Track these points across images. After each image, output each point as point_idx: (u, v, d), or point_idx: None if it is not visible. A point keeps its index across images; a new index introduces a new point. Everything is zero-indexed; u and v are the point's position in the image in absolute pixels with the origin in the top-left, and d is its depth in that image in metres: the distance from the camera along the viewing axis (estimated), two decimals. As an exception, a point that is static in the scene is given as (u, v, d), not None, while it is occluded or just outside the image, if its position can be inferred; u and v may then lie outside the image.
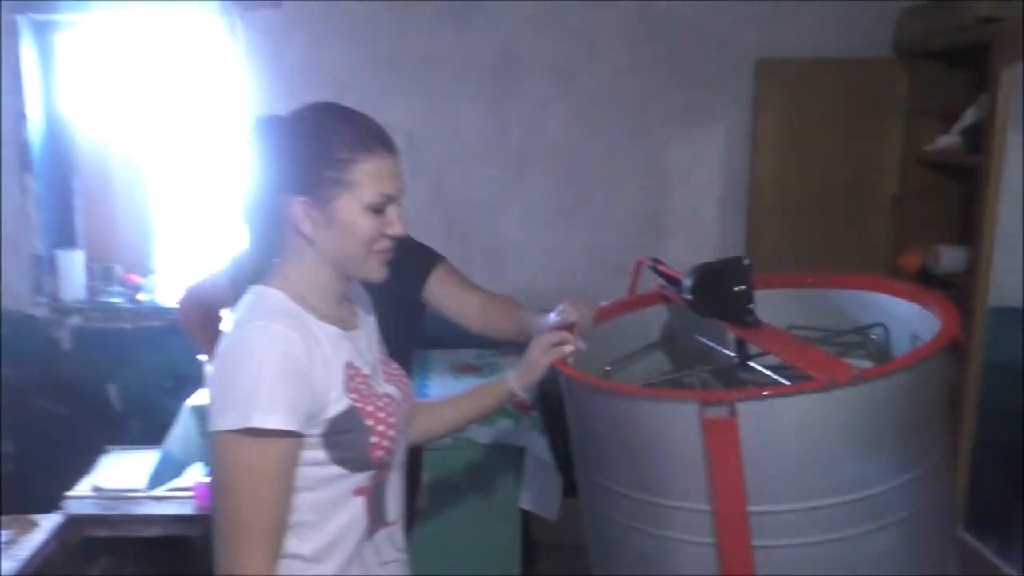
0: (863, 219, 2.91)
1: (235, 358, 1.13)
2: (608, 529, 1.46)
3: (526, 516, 2.46)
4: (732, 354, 1.59)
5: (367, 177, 1.18)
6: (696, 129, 2.99)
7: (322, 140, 1.18)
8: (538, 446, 2.31)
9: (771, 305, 1.73)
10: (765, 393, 1.25)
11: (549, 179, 3.02)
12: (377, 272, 1.24)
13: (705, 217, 3.01)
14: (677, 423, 1.27)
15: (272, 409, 1.09)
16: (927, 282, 2.50)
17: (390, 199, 1.21)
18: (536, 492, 2.33)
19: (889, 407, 1.26)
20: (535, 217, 3.03)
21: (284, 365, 1.12)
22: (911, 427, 1.30)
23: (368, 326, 1.37)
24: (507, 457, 2.36)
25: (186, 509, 2.50)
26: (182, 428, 2.34)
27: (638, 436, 1.34)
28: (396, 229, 1.22)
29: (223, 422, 1.11)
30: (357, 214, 1.19)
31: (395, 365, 1.39)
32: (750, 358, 1.53)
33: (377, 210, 1.20)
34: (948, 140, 2.60)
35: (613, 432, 1.40)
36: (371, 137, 1.20)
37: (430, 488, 2.32)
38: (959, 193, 2.73)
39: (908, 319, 1.57)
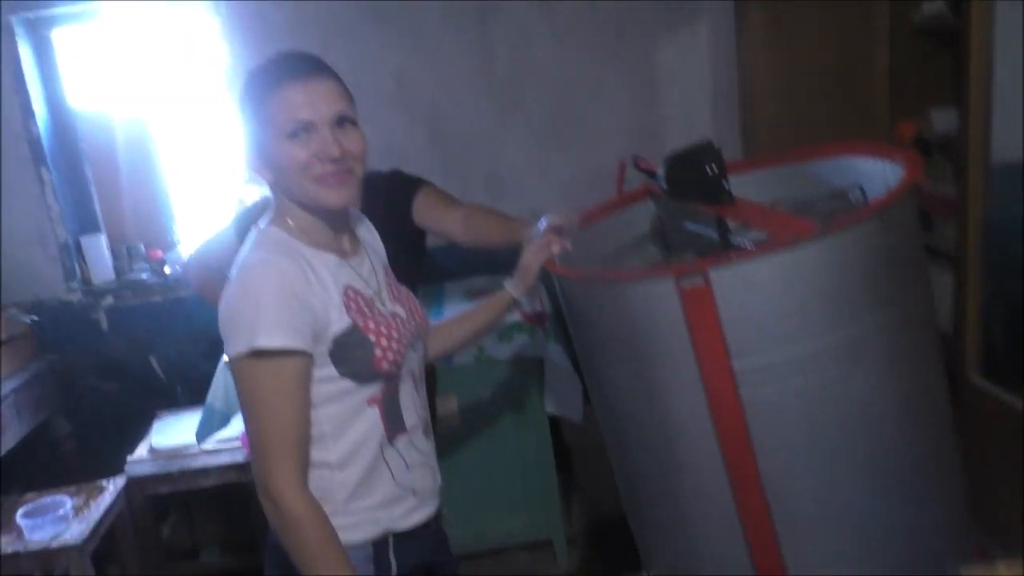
0: (860, 98, 2.92)
1: (237, 291, 1.27)
2: (612, 408, 1.59)
3: (557, 423, 2.60)
4: (714, 234, 1.68)
5: (278, 108, 1.26)
6: (680, 34, 3.02)
7: (246, 93, 1.31)
8: (555, 354, 2.44)
9: (760, 185, 1.82)
10: (735, 259, 1.35)
11: (541, 103, 3.09)
12: (329, 197, 1.29)
13: (699, 120, 3.06)
14: (658, 299, 1.38)
15: (274, 330, 1.22)
16: (924, 148, 2.53)
17: (308, 124, 1.26)
18: (559, 397, 2.47)
19: (856, 256, 1.35)
20: (531, 142, 3.10)
21: (280, 290, 1.24)
22: (881, 273, 1.39)
23: (374, 254, 1.48)
24: (528, 369, 2.50)
25: (236, 458, 2.68)
26: (221, 382, 2.50)
27: (626, 317, 1.45)
28: (330, 150, 1.26)
29: (234, 349, 1.25)
30: (280, 146, 1.27)
31: (405, 289, 1.51)
32: (729, 233, 1.62)
33: (296, 136, 1.26)
34: (932, 5, 2.60)
35: (603, 318, 1.51)
36: (279, 72, 1.28)
37: (461, 407, 2.48)
38: (951, 58, 2.73)
39: (883, 177, 1.64)
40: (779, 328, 1.35)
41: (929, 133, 2.52)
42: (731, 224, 1.67)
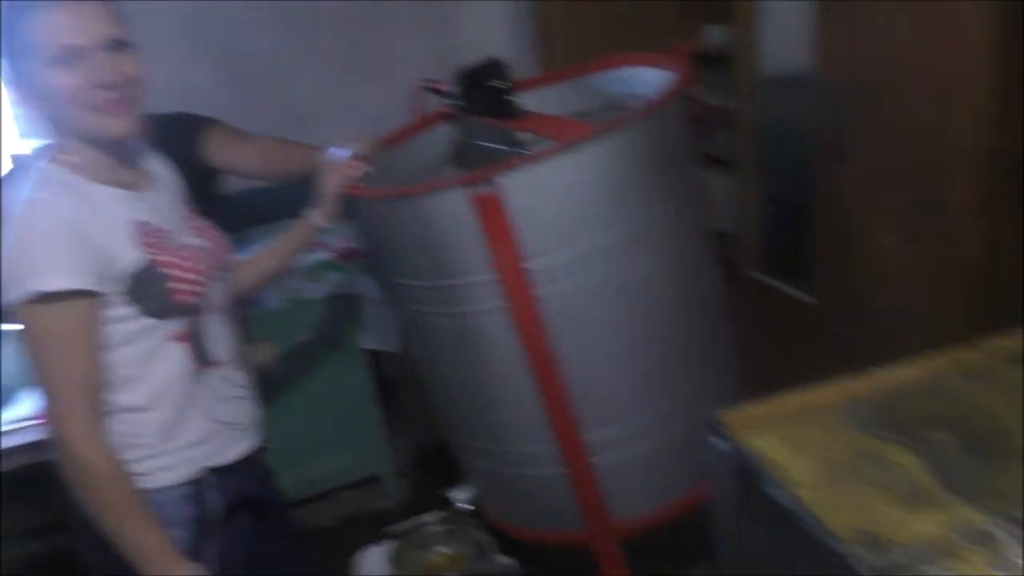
0: (648, 20, 3.09)
1: (14, 235, 1.22)
2: (414, 321, 1.67)
3: (378, 356, 2.67)
4: (506, 148, 1.77)
5: (43, 33, 1.20)
6: (474, -43, 3.08)
7: (5, 20, 1.23)
8: (368, 288, 2.49)
9: (550, 100, 1.94)
10: (519, 165, 1.44)
11: (339, 35, 3.06)
12: (109, 126, 1.25)
13: (496, 41, 3.14)
14: (451, 209, 1.46)
15: (55, 272, 1.19)
16: (702, 61, 2.74)
17: (78, 49, 1.21)
18: (376, 331, 2.53)
19: (630, 155, 1.49)
20: (333, 75, 3.08)
21: (60, 230, 1.21)
22: (655, 171, 1.53)
23: (169, 187, 1.46)
24: (343, 306, 2.54)
25: (30, 438, 2.52)
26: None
27: (423, 230, 1.52)
28: (105, 76, 1.22)
29: (15, 295, 1.21)
30: (49, 75, 1.21)
31: (205, 222, 1.49)
32: (521, 145, 1.73)
33: (66, 63, 1.20)
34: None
35: (402, 234, 1.58)
36: None
37: (278, 352, 2.48)
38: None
39: (658, 86, 1.80)
40: (566, 227, 1.47)
41: (707, 48, 2.75)
42: (524, 137, 1.78)
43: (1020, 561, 1.00)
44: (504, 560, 1.90)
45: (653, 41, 3.05)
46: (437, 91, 1.88)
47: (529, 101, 1.84)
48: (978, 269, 1.83)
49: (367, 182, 1.64)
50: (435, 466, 2.80)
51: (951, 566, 1.00)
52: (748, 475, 1.14)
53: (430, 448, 2.81)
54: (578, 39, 3.01)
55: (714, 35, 2.71)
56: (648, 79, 1.84)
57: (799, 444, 1.16)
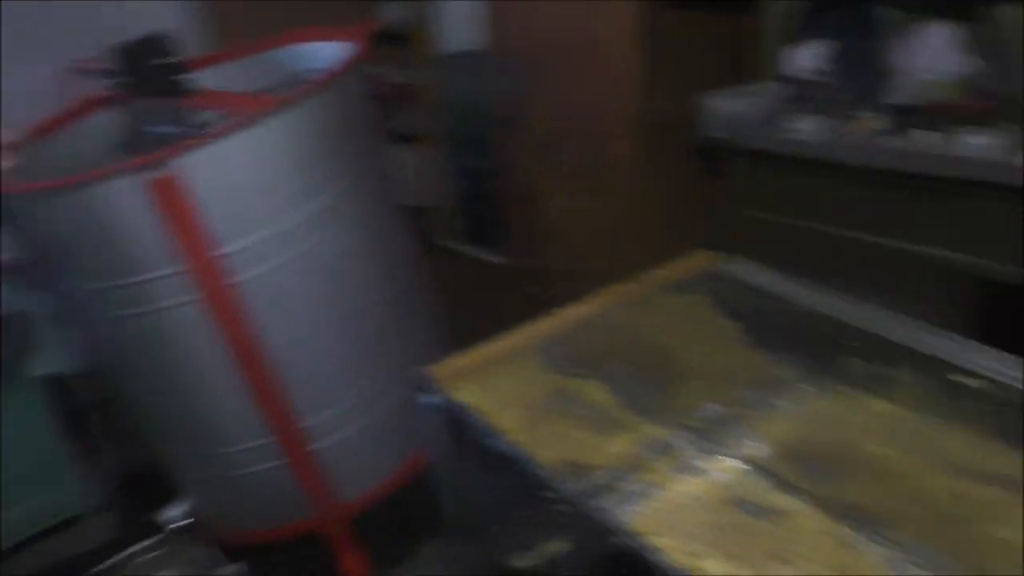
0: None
1: None
2: (101, 329, 1.55)
3: (62, 382, 2.41)
4: (183, 130, 1.69)
5: None
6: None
7: None
8: (38, 303, 2.25)
9: (231, 78, 1.87)
10: (198, 143, 1.39)
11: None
12: None
13: (164, 17, 2.94)
14: (126, 199, 1.37)
15: None
16: (383, 39, 2.79)
17: None
18: (52, 352, 2.29)
19: (313, 128, 1.50)
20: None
21: None
22: (338, 144, 1.56)
23: None
24: (7, 329, 2.26)
25: None
26: None
27: (96, 226, 1.41)
28: None
29: None
30: None
31: None
32: (201, 125, 1.66)
33: None
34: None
35: (72, 233, 1.45)
36: None
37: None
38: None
39: (338, 60, 1.81)
40: (255, 207, 1.44)
41: (387, 26, 2.82)
42: (204, 118, 1.70)
43: (697, 462, 1.17)
44: (231, 569, 1.83)
45: (331, 17, 3.07)
46: (95, 72, 1.73)
47: (207, 79, 1.77)
48: (639, 215, 2.09)
49: (18, 176, 1.48)
50: (145, 491, 2.60)
51: (642, 477, 1.15)
52: (459, 426, 1.22)
53: (137, 472, 2.61)
54: (254, 16, 2.92)
55: (392, 12, 2.78)
56: (327, 54, 1.86)
57: (501, 392, 1.25)
